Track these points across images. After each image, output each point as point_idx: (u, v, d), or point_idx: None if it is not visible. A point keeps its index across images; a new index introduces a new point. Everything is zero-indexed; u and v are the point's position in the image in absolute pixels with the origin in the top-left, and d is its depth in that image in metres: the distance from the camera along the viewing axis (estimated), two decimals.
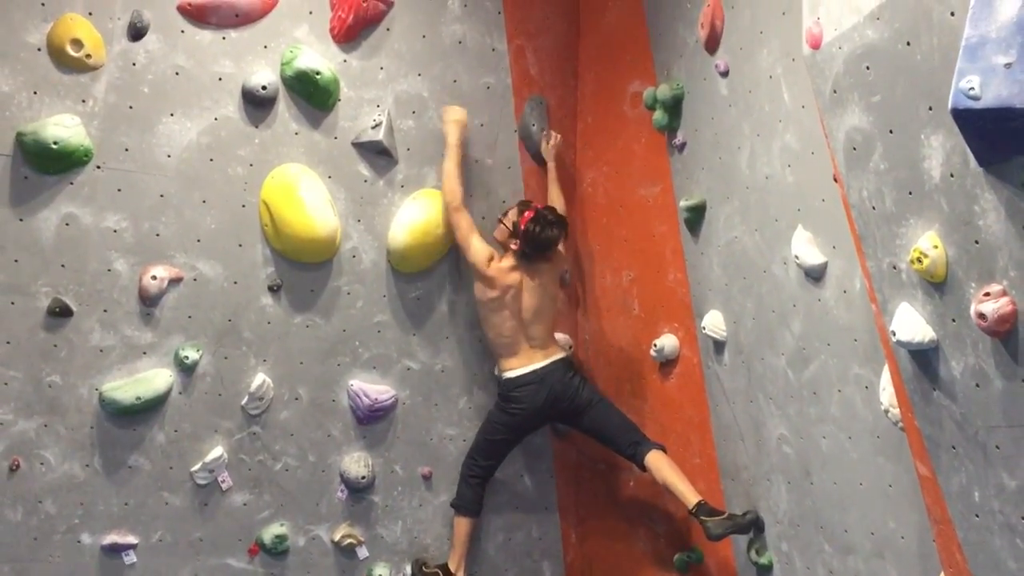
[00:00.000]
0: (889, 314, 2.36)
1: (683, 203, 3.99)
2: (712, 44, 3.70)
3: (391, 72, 4.25)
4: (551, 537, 4.70)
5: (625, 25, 4.38)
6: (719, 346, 3.87)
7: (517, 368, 4.20)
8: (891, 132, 2.22)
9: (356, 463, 4.32)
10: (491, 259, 4.16)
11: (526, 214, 4.14)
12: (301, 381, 4.22)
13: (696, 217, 3.95)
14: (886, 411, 2.83)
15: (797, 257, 3.19)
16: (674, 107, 4.05)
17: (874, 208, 2.33)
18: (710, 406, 4.05)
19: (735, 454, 3.87)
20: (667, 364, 4.28)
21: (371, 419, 4.34)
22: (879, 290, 2.41)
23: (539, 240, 4.12)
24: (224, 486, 4.12)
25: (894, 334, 2.32)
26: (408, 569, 4.38)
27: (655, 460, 4.02)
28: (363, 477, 4.31)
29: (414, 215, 4.24)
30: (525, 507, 4.64)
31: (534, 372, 4.17)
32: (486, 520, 4.55)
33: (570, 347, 4.68)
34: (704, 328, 3.91)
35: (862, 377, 2.98)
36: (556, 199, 4.40)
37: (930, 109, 2.07)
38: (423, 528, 4.47)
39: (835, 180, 2.72)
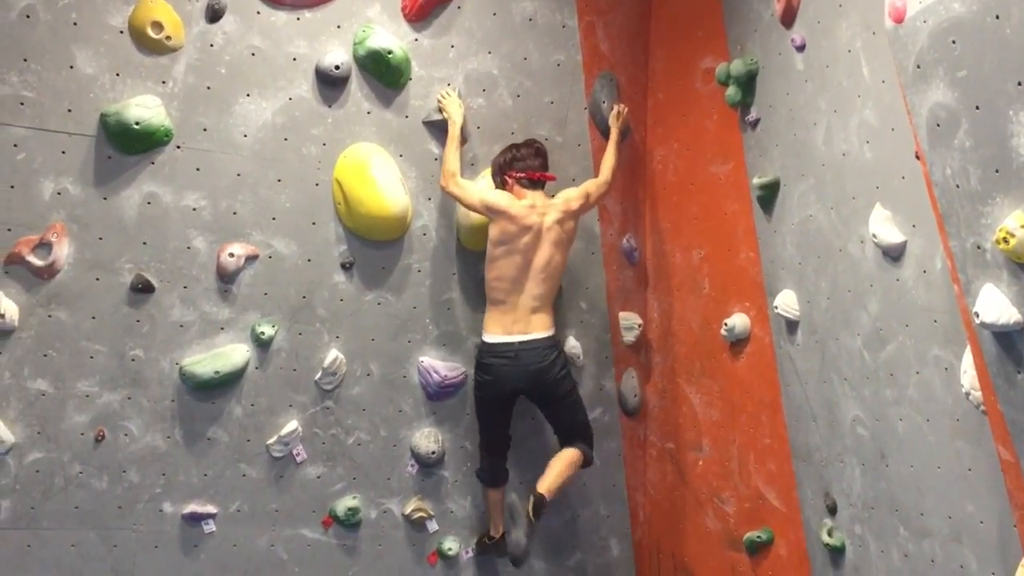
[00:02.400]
0: (972, 295, 2.31)
1: (756, 180, 3.93)
2: (788, 18, 3.63)
3: (461, 50, 4.26)
4: (619, 515, 4.72)
5: (698, 0, 4.31)
6: (792, 326, 3.82)
7: (497, 334, 4.07)
8: (977, 108, 2.16)
9: (426, 438, 4.38)
10: (510, 200, 4.08)
11: (499, 154, 4.17)
12: (373, 357, 4.29)
13: (769, 195, 3.89)
14: (967, 394, 2.77)
15: (875, 236, 3.12)
16: (747, 83, 3.98)
17: (958, 186, 2.27)
18: (782, 386, 4.01)
19: (807, 435, 3.83)
20: (738, 344, 4.24)
21: (441, 395, 4.39)
22: (962, 270, 2.35)
23: (517, 153, 4.10)
24: (299, 459, 4.21)
25: (977, 315, 2.26)
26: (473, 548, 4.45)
27: (566, 452, 4.17)
28: (433, 452, 4.37)
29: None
30: (593, 484, 4.66)
31: (509, 345, 4.04)
32: (554, 498, 4.57)
33: (639, 325, 4.67)
34: (776, 308, 3.86)
35: (942, 359, 2.91)
36: (607, 166, 4.31)
37: (1019, 84, 2.02)
38: None
39: (917, 157, 2.66)
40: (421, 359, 4.34)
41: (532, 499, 3.97)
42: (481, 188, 4.14)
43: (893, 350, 3.16)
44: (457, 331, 4.40)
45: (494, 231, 4.05)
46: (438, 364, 4.36)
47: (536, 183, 4.11)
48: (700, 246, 4.42)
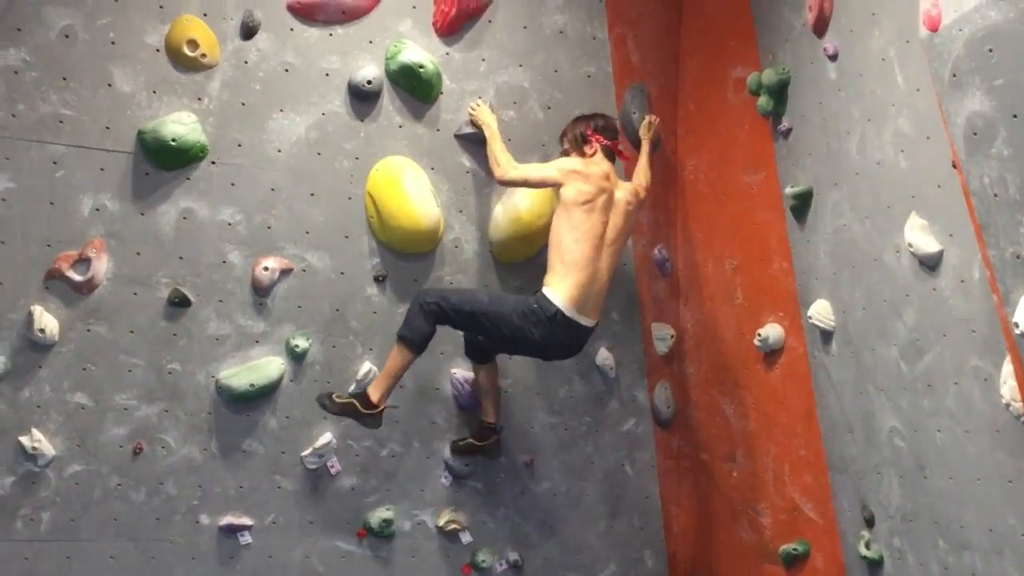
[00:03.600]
0: (1012, 305, 2.28)
1: (789, 190, 3.91)
2: (820, 27, 3.61)
3: (492, 63, 4.29)
4: (653, 527, 4.69)
5: (728, 10, 4.31)
6: (826, 336, 3.80)
7: (571, 308, 3.80)
8: (1015, 117, 2.14)
9: (458, 450, 4.39)
10: (585, 162, 3.97)
11: (565, 130, 4.10)
12: None
13: (802, 204, 3.87)
14: (1007, 405, 2.74)
15: (911, 245, 3.10)
16: (779, 92, 3.97)
17: (996, 195, 2.25)
18: (816, 397, 3.98)
19: (843, 446, 3.79)
20: (772, 354, 4.21)
21: (473, 406, 4.39)
22: (1001, 280, 2.33)
23: (603, 122, 4.05)
24: (333, 471, 4.24)
25: (1017, 325, 2.24)
26: (321, 404, 3.98)
27: (493, 372, 4.23)
28: (466, 464, 4.38)
29: (515, 205, 4.27)
30: (627, 496, 4.64)
31: (575, 324, 3.83)
32: (587, 508, 4.57)
33: (672, 336, 4.65)
34: (811, 318, 3.83)
35: (981, 369, 2.88)
36: (641, 176, 4.26)
37: None
38: (524, 515, 4.51)
39: (953, 166, 2.64)
40: (453, 371, 4.35)
41: (488, 435, 4.22)
42: (541, 164, 4.07)
43: (931, 360, 3.13)
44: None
45: (570, 192, 3.86)
46: (470, 376, 4.36)
47: (612, 156, 4.07)
48: (733, 256, 4.40)
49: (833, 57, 3.54)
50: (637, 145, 4.48)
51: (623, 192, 4.03)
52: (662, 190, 4.64)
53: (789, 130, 3.95)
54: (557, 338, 3.87)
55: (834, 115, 3.59)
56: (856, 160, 3.45)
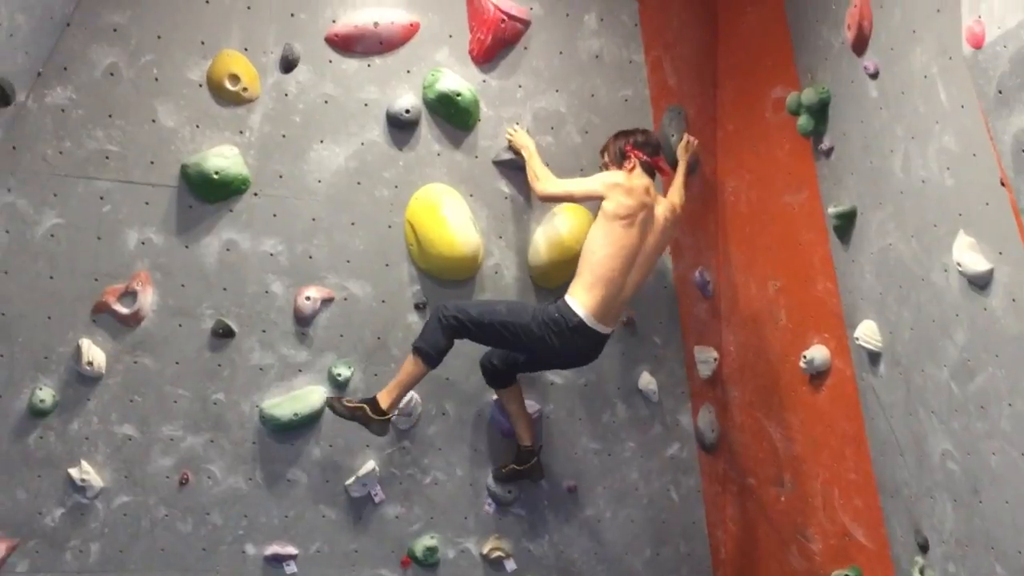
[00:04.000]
0: None
1: (832, 210, 3.86)
2: (860, 45, 3.57)
3: (529, 89, 4.30)
4: (700, 553, 4.63)
5: (766, 30, 4.29)
6: (874, 357, 3.73)
7: (593, 318, 3.79)
8: None
9: (502, 477, 4.37)
10: (627, 175, 3.93)
11: (607, 144, 4.07)
12: (447, 397, 4.31)
13: (846, 224, 3.82)
14: None
15: (959, 264, 3.04)
16: (820, 111, 3.93)
17: None
18: (865, 420, 3.90)
19: (894, 470, 3.71)
20: (818, 376, 4.14)
21: (513, 433, 4.37)
22: None
23: (644, 137, 4.01)
24: (377, 499, 4.24)
25: None
26: (330, 407, 3.94)
27: (517, 393, 4.20)
28: (510, 491, 4.36)
29: (554, 230, 4.27)
30: (672, 522, 4.59)
31: (594, 333, 3.82)
32: (632, 535, 4.53)
33: (715, 359, 4.61)
34: (857, 339, 3.76)
35: None
36: (675, 195, 4.20)
37: None
38: (569, 542, 4.47)
39: (1002, 183, 2.59)
40: (495, 397, 4.34)
41: (528, 458, 4.21)
42: (582, 179, 4.04)
43: (983, 381, 3.05)
44: None
45: (611, 205, 3.82)
46: None
47: (652, 172, 4.04)
48: (775, 277, 4.35)
49: (874, 75, 3.50)
50: (675, 166, 4.46)
51: (662, 208, 4.01)
52: (702, 212, 4.61)
53: (831, 149, 3.90)
54: (577, 347, 3.87)
55: (876, 133, 3.54)
56: (900, 178, 3.40)
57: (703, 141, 4.53)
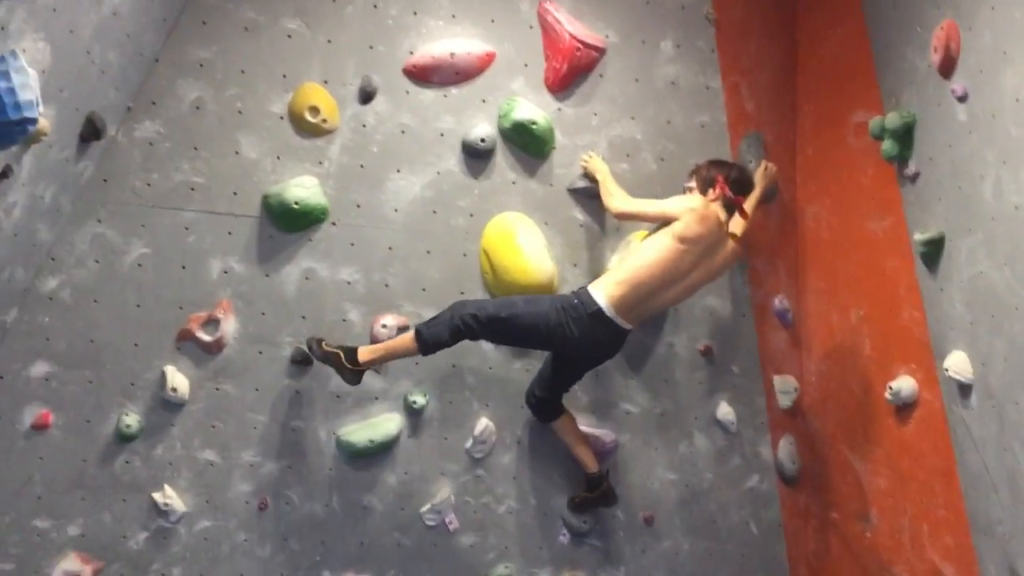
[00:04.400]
0: None
1: (918, 236, 3.75)
2: (947, 68, 3.48)
3: (604, 117, 4.29)
4: None
5: (847, 53, 4.20)
6: (965, 389, 3.59)
7: (615, 311, 3.77)
8: None
9: (577, 507, 4.32)
10: (707, 204, 3.86)
11: (700, 167, 3.99)
12: (522, 425, 4.29)
13: (934, 251, 3.70)
14: None
15: None
16: (904, 136, 3.83)
17: None
18: (956, 454, 3.76)
19: (987, 507, 3.56)
20: (904, 408, 4.01)
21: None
22: None
23: (739, 175, 3.95)
24: (451, 527, 4.23)
25: None
26: (307, 347, 3.91)
27: (570, 422, 4.17)
28: (584, 521, 4.31)
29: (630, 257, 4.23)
30: (752, 556, 4.48)
31: (615, 325, 3.79)
32: (711, 569, 4.43)
33: (795, 389, 4.50)
34: (947, 370, 3.64)
35: None
36: (739, 227, 4.11)
37: None
38: (645, 573, 4.40)
39: None
40: None
41: (598, 484, 4.19)
42: (659, 200, 3.97)
43: None
44: (607, 397, 4.36)
45: (678, 227, 3.79)
46: (587, 431, 4.31)
47: (732, 210, 3.97)
48: (859, 305, 4.23)
49: (962, 98, 3.40)
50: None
51: (727, 246, 3.95)
52: (781, 238, 4.53)
53: (917, 174, 3.80)
54: (595, 338, 3.82)
55: (965, 158, 3.43)
56: (991, 204, 3.28)
57: (782, 167, 4.46)
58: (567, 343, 3.83)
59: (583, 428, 4.29)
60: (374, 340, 4.09)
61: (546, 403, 4.14)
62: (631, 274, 3.80)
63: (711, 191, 3.93)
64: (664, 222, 3.89)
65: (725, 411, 4.44)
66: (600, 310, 3.77)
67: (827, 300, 4.42)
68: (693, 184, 4.00)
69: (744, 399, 4.50)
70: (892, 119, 3.84)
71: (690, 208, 3.82)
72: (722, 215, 3.90)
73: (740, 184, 3.97)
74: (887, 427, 4.11)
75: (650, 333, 4.38)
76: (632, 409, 4.39)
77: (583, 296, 3.81)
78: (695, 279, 3.90)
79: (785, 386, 4.50)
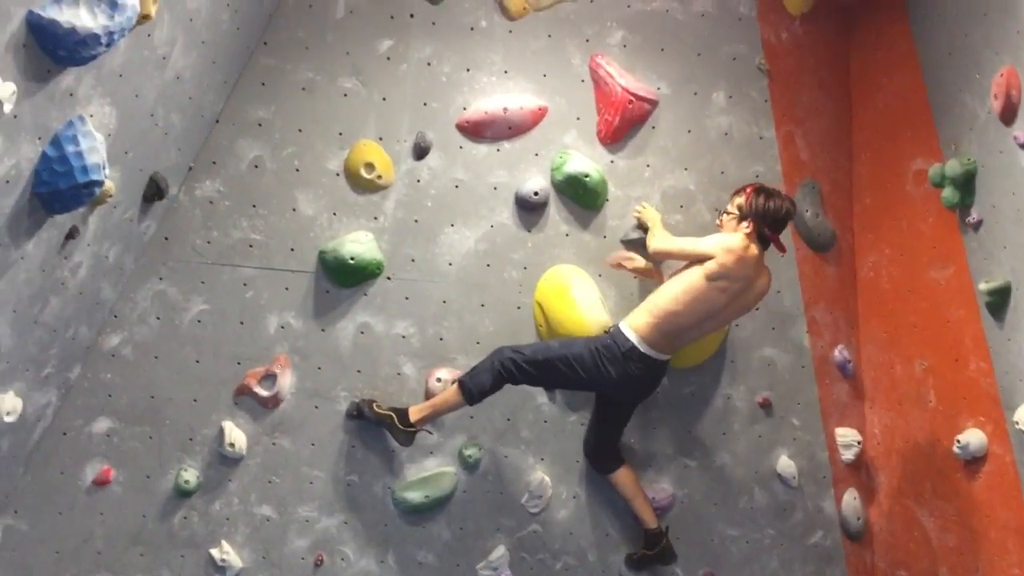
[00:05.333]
0: None
1: (983, 286, 3.66)
2: (1008, 114, 3.42)
3: (657, 169, 4.28)
4: None
5: (903, 101, 4.16)
6: None
7: (652, 348, 3.76)
8: None
9: (635, 563, 4.24)
10: (746, 243, 3.78)
11: (747, 191, 3.87)
12: (579, 479, 4.24)
13: (1000, 300, 3.61)
14: None
15: None
16: (965, 183, 3.76)
17: None
18: None
19: None
20: (973, 462, 3.88)
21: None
22: None
23: (774, 211, 3.79)
24: None
25: None
26: (357, 410, 4.01)
27: (628, 475, 4.10)
28: None
29: None
30: None
31: (653, 361, 3.78)
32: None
33: (858, 443, 4.39)
34: (1017, 423, 3.52)
35: None
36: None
37: None
38: None
39: None
40: None
41: (657, 541, 4.08)
42: (698, 238, 3.91)
43: None
44: (663, 451, 4.30)
45: (713, 266, 3.73)
46: (644, 486, 4.24)
47: (767, 244, 3.88)
48: (922, 356, 4.13)
49: None
50: (811, 243, 4.34)
51: (759, 286, 3.88)
52: (839, 288, 4.45)
53: (979, 222, 3.72)
54: (632, 374, 3.79)
55: None
56: None
57: (839, 216, 4.41)
58: (606, 382, 3.83)
59: (641, 483, 4.22)
60: (429, 394, 4.08)
61: (602, 451, 4.09)
62: (659, 313, 3.79)
63: (746, 223, 3.82)
64: (696, 260, 3.84)
65: (786, 465, 4.34)
66: (634, 347, 3.77)
67: (889, 351, 4.32)
68: (733, 209, 3.88)
69: (805, 452, 4.39)
70: (952, 167, 3.78)
71: (727, 249, 3.76)
72: (758, 254, 3.82)
73: (779, 222, 3.85)
74: (956, 482, 3.98)
75: (707, 385, 4.32)
76: (690, 463, 4.31)
77: (616, 335, 3.82)
78: (729, 313, 3.88)
79: (847, 439, 4.39)
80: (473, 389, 3.82)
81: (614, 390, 3.90)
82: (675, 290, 3.81)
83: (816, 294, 4.40)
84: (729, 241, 3.79)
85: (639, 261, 4.13)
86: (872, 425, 4.42)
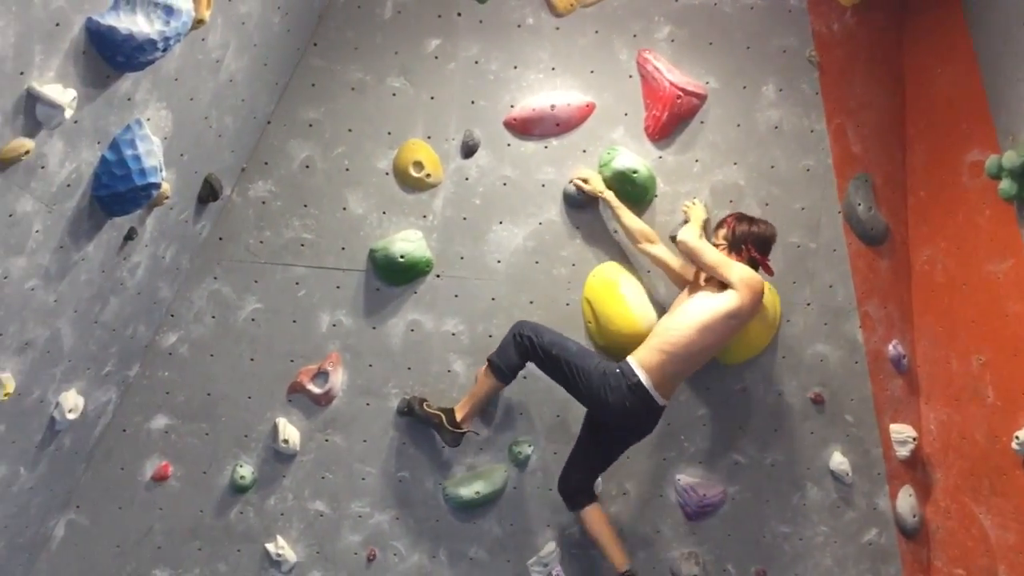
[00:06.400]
0: None
1: None
2: None
3: (706, 164, 4.25)
4: None
5: (958, 91, 4.08)
6: None
7: (651, 382, 3.71)
8: None
9: (686, 560, 4.24)
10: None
11: (728, 221, 3.94)
12: (628, 476, 4.23)
13: None
14: None
15: None
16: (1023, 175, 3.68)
17: None
18: None
19: None
20: None
21: (700, 515, 4.24)
22: None
23: (760, 234, 3.89)
24: None
25: None
26: (408, 407, 4.03)
27: (598, 514, 3.94)
28: (695, 575, 4.20)
29: None
30: None
31: (650, 397, 3.72)
32: None
33: (913, 439, 4.32)
34: None
35: None
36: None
37: None
38: None
39: None
40: (678, 477, 4.23)
41: None
42: (726, 257, 3.88)
43: None
44: (713, 448, 4.27)
45: (734, 304, 3.72)
46: (696, 482, 4.22)
47: (756, 267, 3.88)
48: (980, 351, 4.06)
49: None
50: (864, 238, 4.29)
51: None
52: (893, 282, 4.38)
53: None
54: (630, 409, 3.74)
55: None
56: None
57: (893, 209, 4.34)
58: (601, 405, 3.78)
59: (691, 479, 4.21)
60: None
61: (576, 484, 3.98)
62: (670, 351, 3.73)
63: (736, 255, 3.87)
64: (709, 273, 3.84)
65: (839, 461, 4.30)
66: (639, 383, 3.72)
67: (945, 346, 4.25)
68: (721, 241, 3.92)
69: (859, 449, 4.34)
70: (1010, 158, 3.71)
71: (751, 288, 3.74)
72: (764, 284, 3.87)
73: (766, 244, 3.92)
74: (1015, 479, 3.91)
75: (758, 381, 4.28)
76: (741, 460, 4.28)
77: (624, 367, 3.77)
78: (729, 344, 3.93)
79: (902, 435, 4.33)
80: (502, 366, 3.86)
81: (607, 416, 3.83)
82: (689, 325, 3.74)
83: (869, 289, 4.33)
84: (753, 282, 3.76)
85: (596, 184, 4.10)
86: (928, 421, 4.35)
